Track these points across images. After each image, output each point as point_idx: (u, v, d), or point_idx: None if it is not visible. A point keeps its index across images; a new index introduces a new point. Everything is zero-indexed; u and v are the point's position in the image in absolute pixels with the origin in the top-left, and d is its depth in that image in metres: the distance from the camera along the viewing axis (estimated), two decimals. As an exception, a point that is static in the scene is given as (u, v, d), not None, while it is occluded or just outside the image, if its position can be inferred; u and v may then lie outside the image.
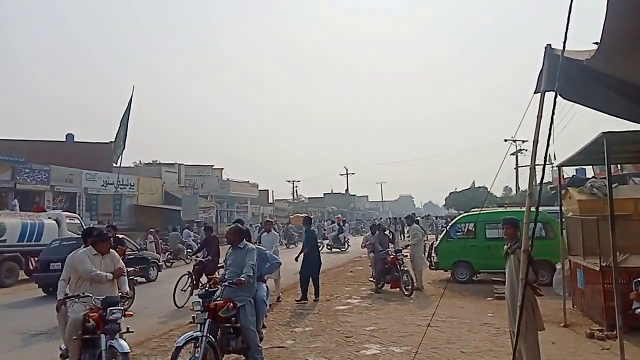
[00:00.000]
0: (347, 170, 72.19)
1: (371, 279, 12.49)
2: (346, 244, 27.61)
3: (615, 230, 5.31)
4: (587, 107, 5.07)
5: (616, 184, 12.01)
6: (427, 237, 27.58)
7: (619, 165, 18.57)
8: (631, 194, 10.47)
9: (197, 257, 10.98)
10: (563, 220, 9.17)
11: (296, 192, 68.44)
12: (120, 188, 29.87)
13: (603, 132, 5.31)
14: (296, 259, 10.97)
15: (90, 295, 5.20)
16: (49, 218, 17.62)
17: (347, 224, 34.00)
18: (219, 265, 9.68)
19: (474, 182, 55.47)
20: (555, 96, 4.13)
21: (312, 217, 18.17)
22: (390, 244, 12.86)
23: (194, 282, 10.41)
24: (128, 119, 20.39)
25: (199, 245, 11.29)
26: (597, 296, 7.54)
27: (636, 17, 3.16)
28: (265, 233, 11.02)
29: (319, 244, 12.28)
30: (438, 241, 14.15)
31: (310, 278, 10.87)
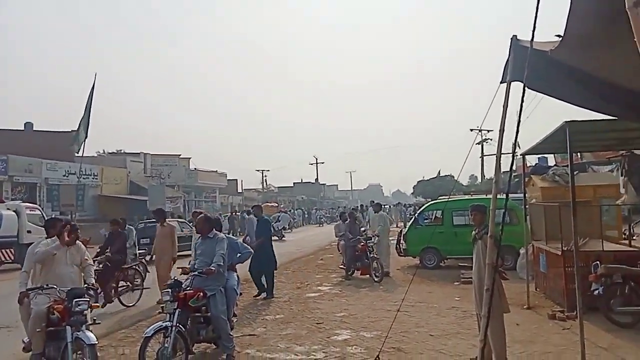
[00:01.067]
0: (316, 159, 72.21)
1: (341, 266, 12.61)
2: (281, 233, 28.57)
3: (576, 215, 5.52)
4: (552, 97, 5.21)
5: (577, 171, 12.45)
6: (397, 225, 28.08)
7: (579, 154, 19.25)
8: (591, 181, 10.88)
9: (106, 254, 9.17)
10: (527, 206, 9.46)
11: (266, 181, 68.05)
12: (83, 178, 29.02)
13: (565, 121, 5.49)
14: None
15: (55, 286, 5.06)
16: (8, 209, 16.97)
17: (284, 213, 35.43)
18: (125, 266, 9.24)
19: (440, 171, 56.41)
20: (524, 86, 4.23)
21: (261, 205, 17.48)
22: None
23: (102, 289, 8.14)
24: (90, 107, 19.76)
25: (105, 240, 9.48)
26: (558, 279, 7.84)
27: (599, 14, 3.26)
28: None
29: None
30: (407, 228, 14.39)
31: (264, 274, 9.75)
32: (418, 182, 57.85)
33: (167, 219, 10.22)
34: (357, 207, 35.08)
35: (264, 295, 9.64)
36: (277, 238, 27.19)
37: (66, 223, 5.71)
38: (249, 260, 8.65)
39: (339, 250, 14.15)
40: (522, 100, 4.10)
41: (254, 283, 9.93)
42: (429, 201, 22.34)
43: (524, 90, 4.19)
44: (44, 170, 27.68)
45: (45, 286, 5.08)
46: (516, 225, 11.62)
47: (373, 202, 16.31)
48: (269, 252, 9.90)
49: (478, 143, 42.18)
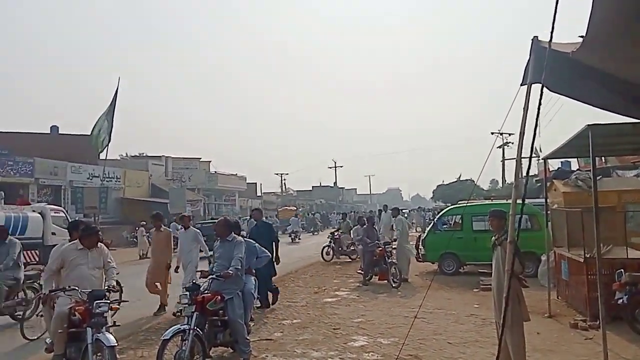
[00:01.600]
0: (335, 163, 72.49)
1: (359, 271, 12.56)
2: (297, 238, 28.92)
3: (599, 222, 5.39)
4: (573, 99, 5.11)
5: (600, 176, 12.16)
6: (416, 229, 27.85)
7: (603, 158, 18.82)
8: (615, 186, 10.61)
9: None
10: (548, 212, 9.28)
11: (284, 184, 68.40)
12: (107, 181, 29.51)
13: (588, 125, 5.37)
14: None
15: (76, 288, 5.15)
16: (34, 211, 17.37)
17: (294, 218, 35.51)
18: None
19: (460, 175, 55.83)
20: (542, 88, 4.16)
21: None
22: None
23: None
24: (114, 111, 20.18)
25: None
26: (580, 287, 7.66)
27: (621, 13, 3.19)
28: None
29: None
30: (425, 233, 14.25)
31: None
32: (438, 186, 57.36)
33: (163, 225, 9.55)
34: (375, 211, 34.82)
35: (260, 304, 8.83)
36: (290, 240, 29.50)
37: (85, 226, 5.82)
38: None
39: (358, 256, 14.11)
40: (540, 103, 4.02)
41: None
42: (449, 206, 22.11)
43: (541, 92, 4.11)
44: (68, 173, 28.27)
45: (67, 287, 5.18)
46: (537, 231, 11.40)
47: (386, 206, 16.28)
48: (269, 260, 8.50)
49: (499, 147, 41.65)
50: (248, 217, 34.88)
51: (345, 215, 23.73)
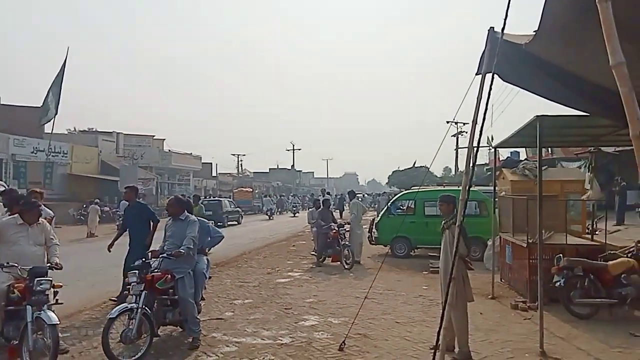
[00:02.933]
0: (293, 145, 72.14)
1: (313, 252, 12.65)
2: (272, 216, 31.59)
3: (543, 209, 5.65)
4: (525, 89, 5.27)
5: (546, 166, 12.74)
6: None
7: (549, 149, 19.71)
8: (558, 176, 11.14)
9: None
10: (496, 199, 9.63)
11: (241, 166, 67.56)
12: (52, 155, 28.20)
13: (537, 116, 5.58)
14: (109, 248, 7.73)
15: (16, 265, 4.92)
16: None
17: (267, 197, 37.90)
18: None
19: (415, 162, 56.87)
20: (492, 76, 4.27)
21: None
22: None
23: None
24: (61, 82, 19.13)
25: None
26: (522, 270, 8.04)
27: (571, 10, 3.30)
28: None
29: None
30: (379, 217, 14.51)
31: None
32: (393, 172, 58.15)
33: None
34: (326, 192, 34.47)
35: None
36: (267, 217, 33.05)
37: (34, 192, 5.54)
38: (126, 253, 7.69)
39: (312, 238, 14.17)
40: (490, 90, 4.14)
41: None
42: (403, 191, 22.56)
43: (492, 80, 4.23)
44: (10, 146, 26.79)
45: (5, 264, 4.94)
46: (485, 217, 11.86)
47: (353, 192, 16.12)
48: (145, 246, 7.53)
49: (453, 135, 42.79)
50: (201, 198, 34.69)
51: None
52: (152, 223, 7.95)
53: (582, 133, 7.12)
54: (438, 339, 4.35)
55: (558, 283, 6.86)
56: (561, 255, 7.11)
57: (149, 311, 5.24)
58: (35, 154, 27.94)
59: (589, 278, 6.77)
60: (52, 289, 4.96)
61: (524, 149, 20.40)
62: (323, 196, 17.88)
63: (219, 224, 25.82)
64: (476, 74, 4.99)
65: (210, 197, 35.68)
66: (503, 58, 4.32)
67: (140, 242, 7.66)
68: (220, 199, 30.17)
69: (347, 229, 12.31)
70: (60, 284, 5.35)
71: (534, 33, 3.88)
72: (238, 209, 30.12)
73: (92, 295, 8.50)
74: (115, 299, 7.64)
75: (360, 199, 15.57)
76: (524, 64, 4.82)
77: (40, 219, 5.41)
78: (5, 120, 28.67)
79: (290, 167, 75.07)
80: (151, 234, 7.88)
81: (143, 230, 7.82)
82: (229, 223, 26.67)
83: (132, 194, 8.23)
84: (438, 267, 6.65)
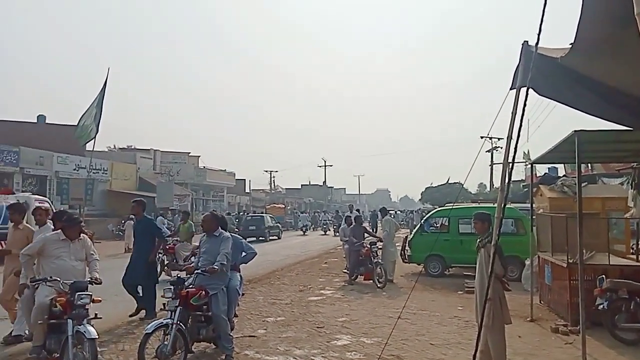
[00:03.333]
0: (325, 162, 72.26)
1: (345, 270, 12.57)
2: (307, 231, 31.05)
3: (583, 228, 5.46)
4: (562, 103, 5.17)
5: (586, 182, 12.32)
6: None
7: (589, 165, 19.06)
8: (599, 193, 10.76)
9: None
10: (533, 217, 9.37)
11: (273, 182, 68.17)
12: (93, 172, 29.24)
13: (575, 130, 5.43)
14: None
15: (58, 279, 5.10)
16: (17, 201, 17.11)
17: (304, 214, 39.07)
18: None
19: (449, 178, 56.06)
20: (527, 90, 4.20)
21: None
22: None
23: None
24: (102, 101, 19.89)
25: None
26: (563, 292, 7.75)
27: (608, 23, 3.23)
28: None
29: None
30: (412, 235, 14.32)
31: (141, 288, 7.96)
32: (426, 188, 57.50)
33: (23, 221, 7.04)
34: (355, 209, 33.65)
35: (143, 313, 7.86)
36: (302, 233, 34.74)
37: (68, 216, 5.75)
38: (125, 269, 7.92)
39: (344, 255, 14.11)
40: (525, 105, 4.08)
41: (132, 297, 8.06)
42: (436, 208, 22.24)
43: (527, 94, 4.16)
44: (54, 164, 27.94)
45: (49, 278, 5.12)
46: (522, 235, 11.53)
47: (384, 209, 15.71)
48: (147, 262, 7.83)
49: (487, 151, 41.94)
50: (236, 213, 35.26)
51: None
52: (157, 239, 8.06)
53: (623, 148, 6.88)
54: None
55: (601, 306, 6.58)
56: (604, 276, 6.83)
57: (184, 327, 5.31)
58: (77, 171, 29.04)
59: (635, 301, 6.46)
60: (92, 304, 5.11)
61: (563, 164, 19.81)
62: (351, 212, 17.72)
63: (261, 238, 26.53)
64: (510, 89, 4.93)
65: (245, 213, 37.11)
66: (538, 72, 4.26)
67: (142, 257, 7.79)
68: (263, 214, 32.03)
69: (379, 247, 12.21)
70: (100, 298, 5.50)
71: (570, 46, 3.82)
72: (278, 224, 31.41)
73: (129, 309, 8.66)
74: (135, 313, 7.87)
75: (392, 216, 15.43)
76: (560, 78, 4.73)
77: (81, 234, 5.61)
78: (49, 138, 29.96)
79: (322, 184, 75.19)
80: (155, 250, 7.99)
81: (147, 245, 7.87)
82: (270, 238, 28.22)
83: (140, 209, 8.18)
84: (473, 287, 6.50)
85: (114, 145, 45.43)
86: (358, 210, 20.47)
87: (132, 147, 44.46)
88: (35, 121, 35.00)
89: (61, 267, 5.27)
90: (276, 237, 29.34)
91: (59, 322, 4.94)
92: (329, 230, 35.60)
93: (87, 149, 27.55)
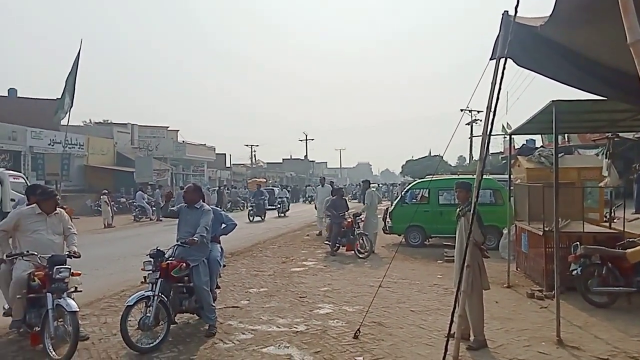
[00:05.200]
0: (306, 136, 72.08)
1: (327, 241, 12.68)
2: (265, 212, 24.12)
3: (559, 197, 5.57)
4: (540, 74, 5.18)
5: (562, 153, 12.56)
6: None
7: (566, 137, 19.40)
8: (575, 164, 10.98)
9: None
10: (511, 187, 9.53)
11: (254, 156, 67.80)
12: (69, 147, 28.55)
13: (552, 101, 5.48)
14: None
15: (35, 253, 5.02)
16: (-10, 177, 16.71)
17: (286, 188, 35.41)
18: None
19: (430, 151, 56.63)
20: (505, 61, 4.20)
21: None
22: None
23: None
24: (76, 74, 19.30)
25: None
26: (539, 259, 7.96)
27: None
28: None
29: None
30: (393, 206, 14.47)
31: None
32: (407, 161, 58.00)
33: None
34: (330, 182, 32.39)
35: None
36: (278, 215, 28.52)
37: (42, 190, 5.63)
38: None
39: (324, 227, 14.18)
40: (502, 75, 4.08)
41: None
42: (416, 180, 22.45)
43: (504, 64, 4.16)
44: (28, 139, 27.19)
45: (25, 252, 5.05)
46: (500, 205, 11.76)
47: (367, 181, 15.66)
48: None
49: (467, 124, 42.26)
50: (216, 188, 34.79)
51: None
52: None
53: (599, 118, 6.98)
54: (451, 327, 4.34)
55: (575, 271, 6.79)
56: (578, 243, 7.02)
57: (166, 299, 5.31)
58: (52, 146, 28.32)
59: (607, 266, 6.68)
60: (71, 277, 5.06)
61: (540, 136, 20.13)
62: (322, 185, 17.38)
63: (272, 207, 26.93)
64: (490, 59, 4.91)
65: (226, 187, 36.56)
66: (517, 42, 4.25)
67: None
68: (274, 187, 33.83)
69: (362, 219, 12.31)
70: (79, 272, 5.46)
71: (549, 15, 3.81)
72: (287, 196, 30.83)
73: (110, 283, 8.65)
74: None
75: (375, 189, 15.52)
76: (539, 48, 4.73)
77: (57, 208, 5.51)
78: (22, 113, 29.08)
79: (303, 158, 75.06)
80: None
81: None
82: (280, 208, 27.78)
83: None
84: (452, 257, 6.63)
85: (90, 120, 44.48)
86: (332, 183, 19.94)
87: (109, 122, 43.52)
88: (7, 95, 33.89)
89: (38, 241, 5.19)
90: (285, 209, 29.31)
91: (38, 296, 4.90)
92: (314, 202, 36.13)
93: (61, 123, 26.94)
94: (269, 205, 25.82)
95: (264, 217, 23.79)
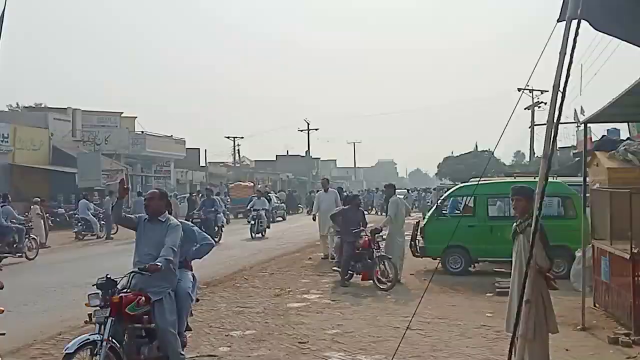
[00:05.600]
0: (308, 124, 71.64)
1: (335, 267, 12.68)
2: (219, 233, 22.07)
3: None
4: (627, 42, 5.16)
5: (658, 148, 12.47)
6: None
7: (662, 125, 19.29)
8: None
9: None
10: (587, 194, 9.49)
11: (238, 152, 67.96)
12: (-12, 140, 28.78)
13: (643, 77, 5.46)
14: None
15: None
16: None
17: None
18: None
19: (476, 145, 56.67)
20: (578, 23, 4.17)
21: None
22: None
23: None
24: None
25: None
26: (625, 292, 7.92)
27: None
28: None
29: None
30: (425, 220, 14.46)
31: None
32: (444, 159, 58.17)
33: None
34: (338, 188, 30.66)
35: None
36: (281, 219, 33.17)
37: None
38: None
39: (332, 248, 14.22)
40: (574, 44, 4.05)
41: None
42: (457, 184, 22.45)
43: (577, 28, 4.13)
44: None
45: None
46: (572, 218, 11.72)
47: (392, 185, 15.10)
48: None
49: (526, 108, 42.14)
50: (187, 195, 34.82)
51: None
52: None
53: None
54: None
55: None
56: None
57: (118, 345, 5.32)
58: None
59: None
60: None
61: (627, 124, 20.01)
62: (325, 190, 17.13)
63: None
64: (558, 21, 4.89)
65: (200, 195, 35.95)
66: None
67: None
68: (270, 194, 35.89)
69: (383, 236, 12.30)
70: (2, 308, 5.47)
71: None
72: (283, 204, 35.60)
73: (43, 324, 8.69)
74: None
75: (403, 196, 15.54)
76: (624, 6, 4.70)
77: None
78: None
79: (304, 154, 74.87)
80: None
81: None
82: (277, 219, 33.21)
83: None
84: (507, 288, 6.61)
85: (17, 103, 44.73)
86: (340, 189, 19.63)
87: (43, 106, 43.75)
88: None
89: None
90: (281, 219, 35.43)
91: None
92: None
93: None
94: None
95: (219, 238, 20.91)
